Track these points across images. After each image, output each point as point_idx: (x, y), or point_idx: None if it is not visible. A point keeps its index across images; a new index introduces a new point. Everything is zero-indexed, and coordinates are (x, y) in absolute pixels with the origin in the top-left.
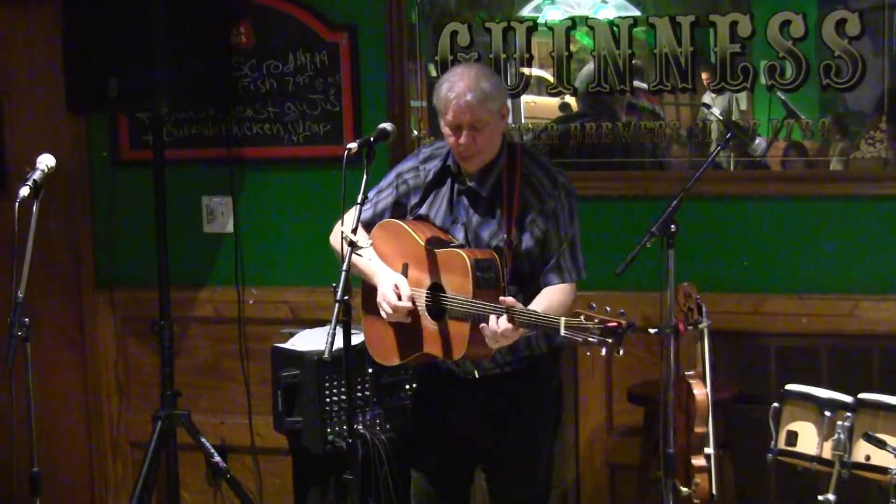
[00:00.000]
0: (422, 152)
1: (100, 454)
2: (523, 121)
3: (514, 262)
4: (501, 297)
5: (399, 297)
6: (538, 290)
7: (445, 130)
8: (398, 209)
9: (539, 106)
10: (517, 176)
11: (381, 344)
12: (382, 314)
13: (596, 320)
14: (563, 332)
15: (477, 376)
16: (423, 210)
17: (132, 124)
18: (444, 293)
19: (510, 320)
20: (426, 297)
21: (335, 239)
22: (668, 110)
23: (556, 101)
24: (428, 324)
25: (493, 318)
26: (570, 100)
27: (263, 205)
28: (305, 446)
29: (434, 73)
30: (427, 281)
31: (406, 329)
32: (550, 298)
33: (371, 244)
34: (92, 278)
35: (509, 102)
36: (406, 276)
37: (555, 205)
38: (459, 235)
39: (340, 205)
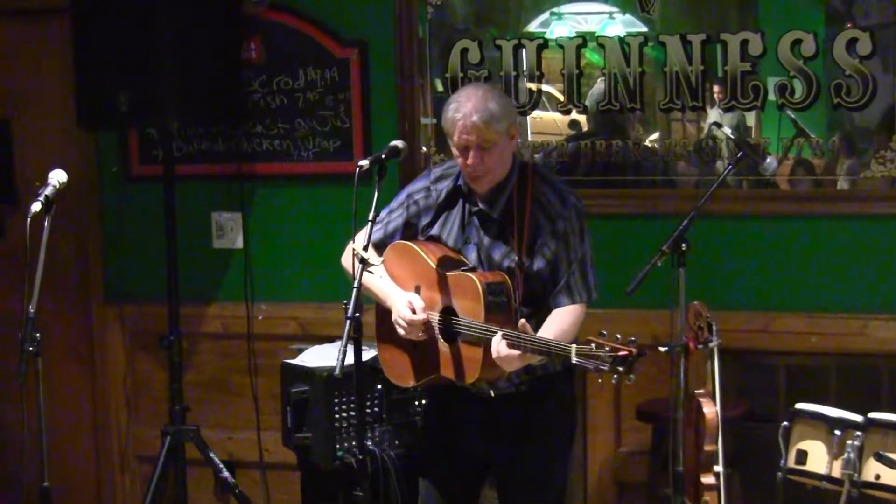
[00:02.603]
0: (433, 172)
1: (108, 469)
2: (530, 137)
3: (527, 283)
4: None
5: (413, 312)
6: (551, 310)
7: (454, 151)
8: (409, 229)
9: (545, 121)
10: (528, 197)
11: (397, 366)
12: (399, 332)
13: (607, 348)
14: (574, 359)
15: (492, 395)
16: (434, 230)
17: (142, 140)
18: (457, 316)
19: (520, 347)
20: (438, 320)
21: (347, 261)
22: (677, 128)
23: (561, 116)
24: (442, 346)
25: (502, 341)
26: (580, 117)
27: (273, 221)
28: (314, 462)
29: (441, 89)
30: (439, 304)
31: (421, 351)
32: (561, 322)
33: (382, 261)
34: (101, 293)
35: (518, 122)
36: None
37: (565, 225)
38: (472, 256)
39: (351, 221)
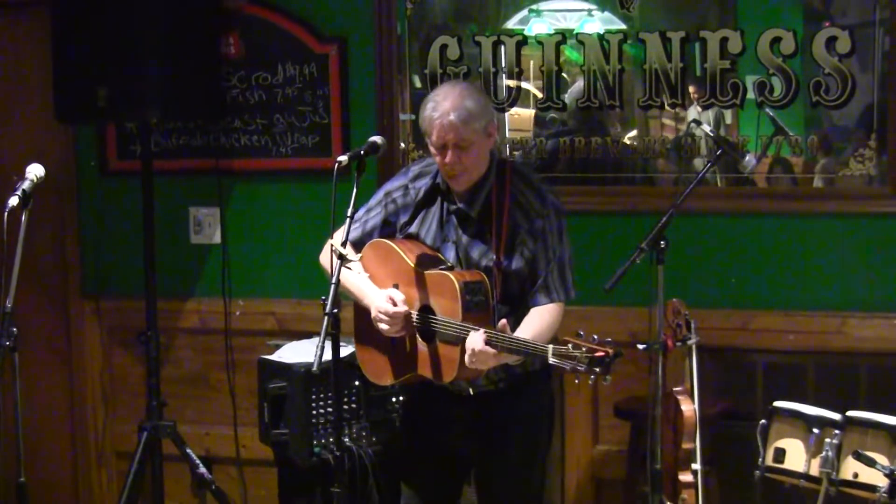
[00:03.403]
0: (411, 170)
1: (85, 464)
2: (507, 134)
3: (505, 282)
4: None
5: (394, 304)
6: (529, 309)
7: (432, 150)
8: (387, 228)
9: (523, 118)
10: (507, 195)
11: (375, 365)
12: (381, 327)
13: (584, 349)
14: (550, 360)
15: (471, 393)
16: (412, 229)
17: (120, 134)
18: (434, 315)
19: (497, 345)
20: (416, 318)
21: (325, 258)
22: (656, 125)
23: (540, 112)
24: (419, 345)
25: (481, 336)
26: (558, 114)
27: (251, 216)
28: (291, 458)
29: (419, 85)
30: (417, 303)
31: (399, 350)
32: (539, 321)
33: (360, 257)
34: (78, 288)
35: (496, 120)
36: None
37: (544, 224)
38: (450, 254)
39: (330, 217)
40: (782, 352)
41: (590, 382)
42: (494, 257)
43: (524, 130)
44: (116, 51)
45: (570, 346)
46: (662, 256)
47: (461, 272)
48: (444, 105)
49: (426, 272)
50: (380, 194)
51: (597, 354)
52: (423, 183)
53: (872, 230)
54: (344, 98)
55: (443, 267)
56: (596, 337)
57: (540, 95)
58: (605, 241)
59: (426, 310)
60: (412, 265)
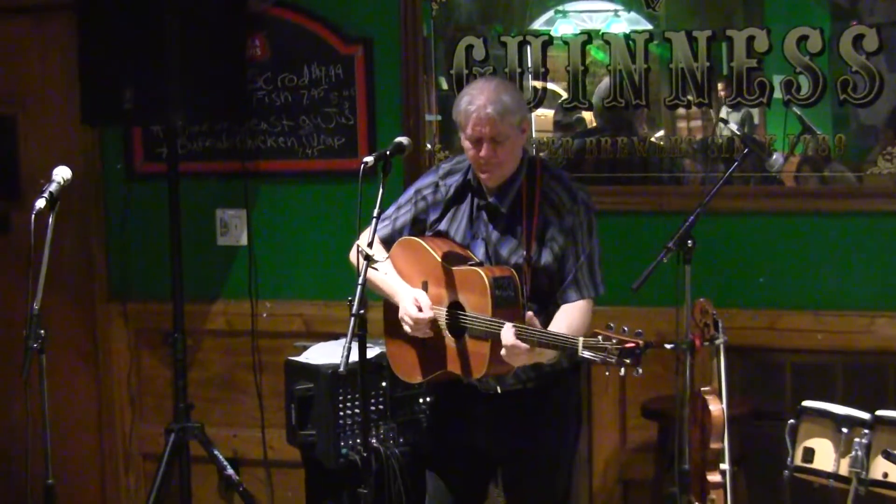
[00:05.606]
0: (441, 168)
1: (112, 466)
2: (534, 134)
3: (534, 278)
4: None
5: (420, 310)
6: (558, 306)
7: (465, 144)
8: (417, 225)
9: (549, 119)
10: (537, 192)
11: (405, 362)
12: (406, 328)
13: (614, 340)
14: (581, 352)
15: (499, 391)
16: (442, 226)
17: (146, 137)
18: (464, 311)
19: (528, 340)
20: (446, 315)
21: (354, 257)
22: (682, 125)
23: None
24: (449, 342)
25: (512, 330)
26: (586, 114)
27: (277, 218)
28: (319, 459)
29: (445, 87)
30: (446, 299)
31: (429, 347)
32: (570, 317)
33: (387, 258)
34: (105, 290)
35: (530, 116)
36: (426, 293)
37: (574, 221)
38: (480, 251)
39: (356, 218)
40: (810, 351)
41: (621, 374)
42: (525, 253)
43: (546, 131)
44: (142, 54)
45: (599, 337)
46: (690, 256)
47: (490, 268)
48: (480, 98)
49: (455, 269)
50: (410, 192)
51: (627, 346)
52: (454, 180)
53: None
54: (370, 99)
55: (472, 263)
56: (626, 329)
57: (564, 95)
58: (631, 240)
59: (455, 306)
60: (441, 262)
